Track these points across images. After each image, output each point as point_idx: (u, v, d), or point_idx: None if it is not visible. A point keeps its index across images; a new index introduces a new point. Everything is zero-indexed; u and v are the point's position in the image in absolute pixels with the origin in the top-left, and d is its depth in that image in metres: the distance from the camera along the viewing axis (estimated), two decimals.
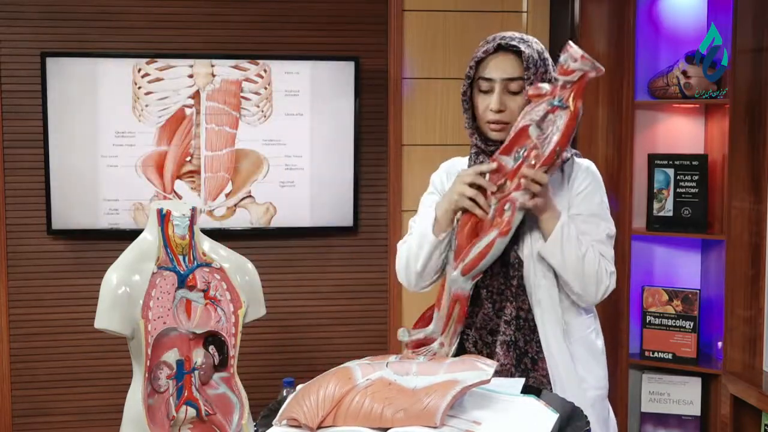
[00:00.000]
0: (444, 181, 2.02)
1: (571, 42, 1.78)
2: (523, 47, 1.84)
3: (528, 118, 1.80)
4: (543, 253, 1.83)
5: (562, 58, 1.77)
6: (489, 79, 1.86)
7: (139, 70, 3.31)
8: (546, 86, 1.80)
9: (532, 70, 1.83)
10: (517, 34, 1.89)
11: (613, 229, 1.93)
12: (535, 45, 1.87)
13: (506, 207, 1.79)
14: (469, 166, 1.96)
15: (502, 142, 1.85)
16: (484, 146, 1.90)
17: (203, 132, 3.37)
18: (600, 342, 1.96)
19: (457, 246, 1.84)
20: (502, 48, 1.85)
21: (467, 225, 1.84)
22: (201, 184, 3.39)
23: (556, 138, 1.75)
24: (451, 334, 1.87)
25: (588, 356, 1.91)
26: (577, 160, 1.94)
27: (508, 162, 1.81)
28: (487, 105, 1.86)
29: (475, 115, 1.91)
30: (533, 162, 1.77)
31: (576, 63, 1.75)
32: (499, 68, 1.85)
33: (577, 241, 1.82)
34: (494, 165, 1.82)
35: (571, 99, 1.75)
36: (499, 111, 1.85)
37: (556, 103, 1.77)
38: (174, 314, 2.38)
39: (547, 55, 1.89)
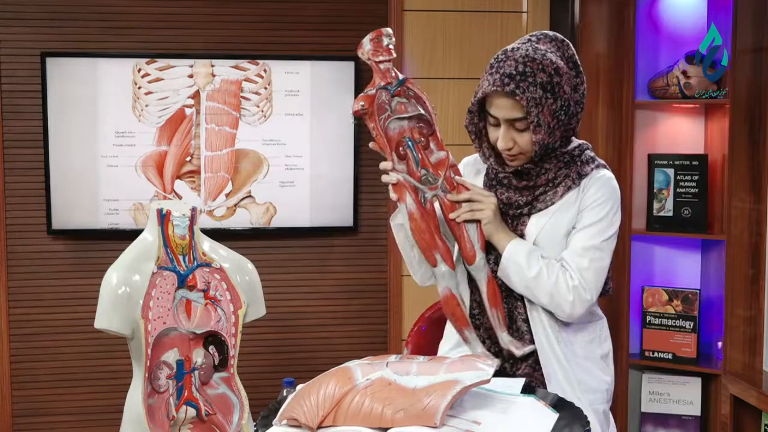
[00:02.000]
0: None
1: (382, 29, 1.82)
2: (519, 92, 1.72)
3: (382, 120, 1.80)
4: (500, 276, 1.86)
5: (384, 40, 1.79)
6: (494, 116, 1.81)
7: (139, 70, 3.32)
8: (369, 92, 1.80)
9: (534, 112, 1.74)
10: (521, 65, 1.74)
11: (599, 240, 1.84)
12: (540, 75, 1.73)
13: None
14: (487, 168, 1.96)
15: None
16: (501, 168, 1.89)
17: (203, 132, 3.37)
18: (603, 349, 1.95)
19: (438, 244, 1.82)
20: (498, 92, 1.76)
21: (426, 227, 1.82)
22: (201, 184, 3.39)
23: (429, 118, 1.83)
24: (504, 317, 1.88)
25: (588, 363, 1.90)
26: (597, 173, 1.88)
27: (403, 169, 1.82)
28: (497, 138, 1.83)
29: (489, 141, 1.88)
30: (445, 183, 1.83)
31: (393, 39, 1.81)
32: (501, 108, 1.78)
33: (526, 265, 1.81)
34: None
35: (396, 73, 1.81)
36: (508, 149, 1.82)
37: (395, 87, 1.80)
38: (174, 314, 2.38)
39: (558, 77, 1.76)
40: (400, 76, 1.82)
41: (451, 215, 1.83)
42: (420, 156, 1.82)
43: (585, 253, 1.83)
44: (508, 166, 1.88)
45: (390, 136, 1.81)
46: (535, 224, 1.86)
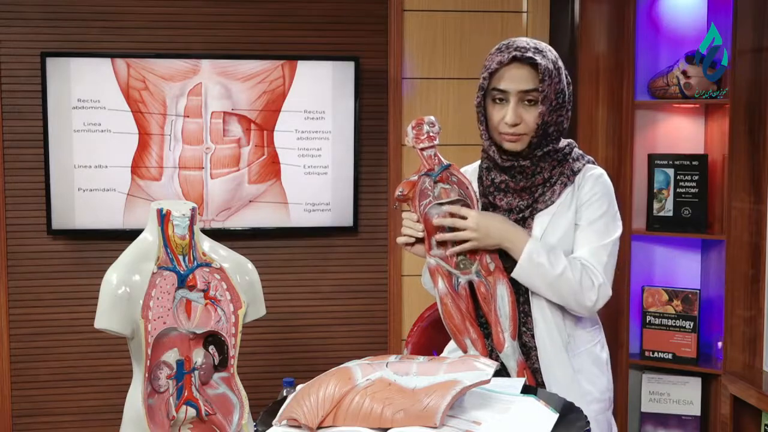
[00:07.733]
0: None
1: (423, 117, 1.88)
2: (538, 58, 1.80)
3: (423, 206, 1.85)
4: (516, 278, 1.84)
5: (425, 128, 1.85)
6: (503, 91, 1.83)
7: (140, 70, 3.31)
8: (411, 178, 1.86)
9: (547, 82, 1.80)
10: (531, 43, 1.84)
11: (614, 236, 1.88)
12: (549, 54, 1.84)
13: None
14: (480, 177, 1.97)
15: (517, 153, 1.86)
16: (500, 160, 1.88)
17: (203, 132, 3.37)
18: (605, 354, 1.96)
19: (469, 329, 1.84)
20: (517, 59, 1.81)
21: (456, 311, 1.86)
22: (202, 183, 3.39)
23: (471, 203, 1.86)
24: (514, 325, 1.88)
25: (592, 368, 1.91)
26: (589, 169, 1.91)
27: (441, 254, 1.86)
28: (502, 117, 1.84)
29: (488, 126, 1.89)
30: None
31: (435, 127, 1.86)
32: (515, 80, 1.81)
33: (549, 264, 1.80)
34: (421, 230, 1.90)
35: (440, 159, 1.87)
36: (515, 124, 1.83)
37: (438, 173, 1.86)
38: (174, 314, 2.38)
39: (560, 63, 1.86)
40: (444, 162, 1.86)
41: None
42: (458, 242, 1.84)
43: (603, 249, 1.86)
44: (505, 155, 1.88)
45: (430, 221, 1.84)
46: (539, 225, 1.87)
